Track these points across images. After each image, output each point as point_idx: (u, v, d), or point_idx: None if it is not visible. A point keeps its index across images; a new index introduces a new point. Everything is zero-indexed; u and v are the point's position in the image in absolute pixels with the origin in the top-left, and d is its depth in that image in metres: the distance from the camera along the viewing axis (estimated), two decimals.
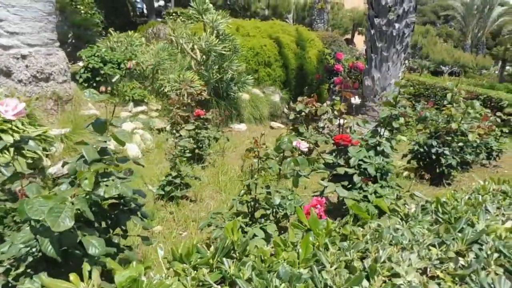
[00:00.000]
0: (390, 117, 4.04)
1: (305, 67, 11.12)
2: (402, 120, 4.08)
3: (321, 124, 5.91)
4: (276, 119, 9.64)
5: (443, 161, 5.45)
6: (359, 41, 45.76)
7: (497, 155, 7.03)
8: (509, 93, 16.41)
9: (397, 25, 6.62)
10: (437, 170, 5.51)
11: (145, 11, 23.26)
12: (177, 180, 4.05)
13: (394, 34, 6.63)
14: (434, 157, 5.49)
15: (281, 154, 3.46)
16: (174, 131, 5.41)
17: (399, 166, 6.26)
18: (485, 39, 46.21)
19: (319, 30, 25.09)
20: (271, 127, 9.11)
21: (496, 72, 40.36)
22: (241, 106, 8.37)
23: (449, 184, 5.75)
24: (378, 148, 3.89)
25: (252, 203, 2.96)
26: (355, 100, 4.13)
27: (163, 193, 4.07)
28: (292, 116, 5.87)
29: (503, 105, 12.02)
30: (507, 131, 7.30)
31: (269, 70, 10.55)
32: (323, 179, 3.90)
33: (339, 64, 10.36)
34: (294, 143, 3.21)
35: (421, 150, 5.62)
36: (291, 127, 6.14)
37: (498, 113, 7.29)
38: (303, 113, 5.77)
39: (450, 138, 5.50)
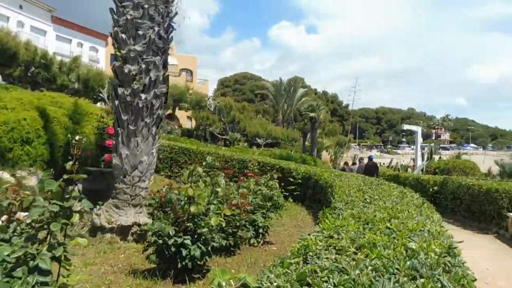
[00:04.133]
0: (55, 215, 2.89)
1: None
2: (76, 217, 2.97)
3: None
4: None
5: (184, 252, 4.53)
6: (182, 116, 46.69)
7: (265, 232, 6.58)
8: (303, 163, 17.64)
9: (143, 96, 5.85)
10: (179, 265, 4.55)
11: None
12: None
13: (141, 105, 5.82)
14: (174, 249, 4.54)
15: None
16: None
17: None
18: (293, 115, 52.13)
19: None
20: None
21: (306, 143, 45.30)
22: None
23: (199, 278, 4.83)
24: (31, 263, 2.66)
25: None
26: None
27: None
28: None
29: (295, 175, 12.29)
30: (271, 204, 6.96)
31: (28, 148, 8.76)
32: None
33: (111, 139, 9.21)
34: None
35: (160, 241, 4.63)
36: None
37: (263, 188, 6.96)
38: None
39: (192, 223, 4.67)
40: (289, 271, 1.99)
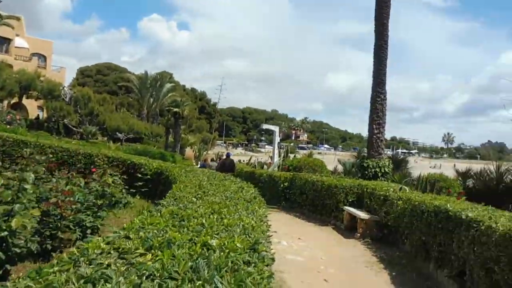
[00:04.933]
0: None
1: None
2: None
3: None
4: None
5: None
6: (32, 105, 41.60)
7: (95, 233, 5.97)
8: (162, 159, 17.08)
9: None
10: None
11: None
12: None
13: None
14: None
15: None
16: None
17: None
18: (159, 110, 50.64)
19: None
20: None
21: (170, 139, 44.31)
22: None
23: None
24: None
25: None
26: None
27: None
28: None
29: (144, 171, 11.63)
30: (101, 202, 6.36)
31: None
32: None
33: None
34: None
35: None
36: None
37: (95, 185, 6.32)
38: None
39: None
40: (32, 285, 1.60)
